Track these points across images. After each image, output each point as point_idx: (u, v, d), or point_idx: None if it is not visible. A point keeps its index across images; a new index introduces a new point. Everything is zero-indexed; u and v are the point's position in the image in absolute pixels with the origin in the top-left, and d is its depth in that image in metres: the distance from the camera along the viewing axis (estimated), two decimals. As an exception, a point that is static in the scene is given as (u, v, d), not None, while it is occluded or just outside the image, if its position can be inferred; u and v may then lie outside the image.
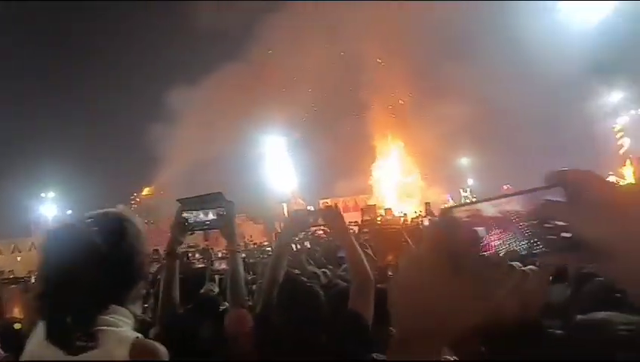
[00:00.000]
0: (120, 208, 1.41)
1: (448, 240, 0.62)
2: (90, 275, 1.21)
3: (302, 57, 30.89)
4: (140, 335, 1.27)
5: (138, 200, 31.46)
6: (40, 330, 1.24)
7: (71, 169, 27.93)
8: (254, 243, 17.27)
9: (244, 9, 30.11)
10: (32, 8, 31.02)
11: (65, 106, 33.82)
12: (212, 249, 9.08)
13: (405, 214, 20.41)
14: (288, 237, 2.60)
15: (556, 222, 0.61)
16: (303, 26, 30.93)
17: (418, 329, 0.62)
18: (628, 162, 24.27)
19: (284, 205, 28.86)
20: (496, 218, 0.63)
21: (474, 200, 0.67)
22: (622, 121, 27.14)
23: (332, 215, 2.37)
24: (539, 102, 26.44)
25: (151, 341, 1.30)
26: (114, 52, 32.99)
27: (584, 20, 25.86)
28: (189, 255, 7.66)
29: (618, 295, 1.83)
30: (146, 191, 32.76)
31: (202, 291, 3.46)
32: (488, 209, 0.64)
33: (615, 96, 26.78)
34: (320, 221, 2.49)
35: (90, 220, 1.33)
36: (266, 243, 15.57)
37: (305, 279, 2.20)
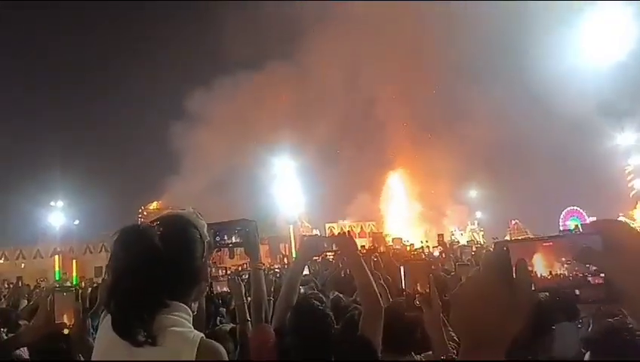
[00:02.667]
0: (187, 212, 1.46)
1: (504, 265, 0.77)
2: (149, 274, 1.28)
3: (319, 87, 31.47)
4: (203, 334, 1.30)
5: (145, 213, 31.43)
6: (107, 322, 1.30)
7: (81, 179, 28.17)
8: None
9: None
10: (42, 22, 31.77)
11: (77, 118, 34.42)
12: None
13: (412, 244, 20.22)
14: (302, 262, 2.70)
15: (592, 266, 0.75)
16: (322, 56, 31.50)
17: (485, 337, 0.75)
18: (639, 204, 24.12)
19: (291, 227, 28.84)
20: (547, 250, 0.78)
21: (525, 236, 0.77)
22: (634, 162, 27.07)
23: (345, 241, 2.46)
24: (552, 137, 26.53)
25: (213, 341, 1.32)
26: (126, 69, 33.59)
27: (600, 64, 26.18)
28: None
29: (626, 335, 1.98)
30: (153, 205, 32.78)
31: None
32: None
33: (628, 138, 26.80)
34: (333, 247, 2.58)
35: (157, 223, 1.38)
36: (276, 267, 15.24)
37: (317, 303, 2.21)
